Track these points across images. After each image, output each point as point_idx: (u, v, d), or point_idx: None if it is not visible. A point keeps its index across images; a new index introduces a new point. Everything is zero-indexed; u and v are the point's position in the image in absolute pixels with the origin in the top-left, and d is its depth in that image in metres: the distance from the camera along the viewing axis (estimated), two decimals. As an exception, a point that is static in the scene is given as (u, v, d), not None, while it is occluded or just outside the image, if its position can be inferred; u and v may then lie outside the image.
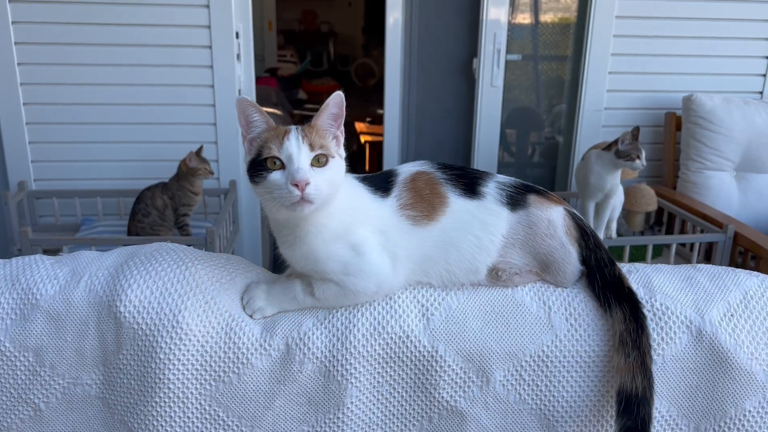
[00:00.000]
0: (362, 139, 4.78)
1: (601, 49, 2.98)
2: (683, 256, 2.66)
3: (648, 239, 2.45)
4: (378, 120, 3.20)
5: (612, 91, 3.06)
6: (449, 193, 1.00)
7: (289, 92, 5.67)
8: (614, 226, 2.43)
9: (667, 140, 3.07)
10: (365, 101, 5.65)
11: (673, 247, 2.42)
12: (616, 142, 2.21)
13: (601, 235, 2.38)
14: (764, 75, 3.07)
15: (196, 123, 2.79)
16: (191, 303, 0.95)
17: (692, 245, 2.48)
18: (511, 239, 1.00)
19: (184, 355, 0.93)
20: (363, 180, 1.04)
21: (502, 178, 1.04)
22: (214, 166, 2.68)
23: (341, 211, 0.97)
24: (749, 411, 0.96)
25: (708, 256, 2.59)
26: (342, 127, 1.01)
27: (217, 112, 2.78)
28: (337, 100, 0.97)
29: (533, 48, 3.22)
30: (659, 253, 2.69)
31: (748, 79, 3.08)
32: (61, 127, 2.73)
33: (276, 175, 0.92)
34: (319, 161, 0.94)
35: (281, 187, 0.91)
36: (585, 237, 1.02)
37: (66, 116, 2.72)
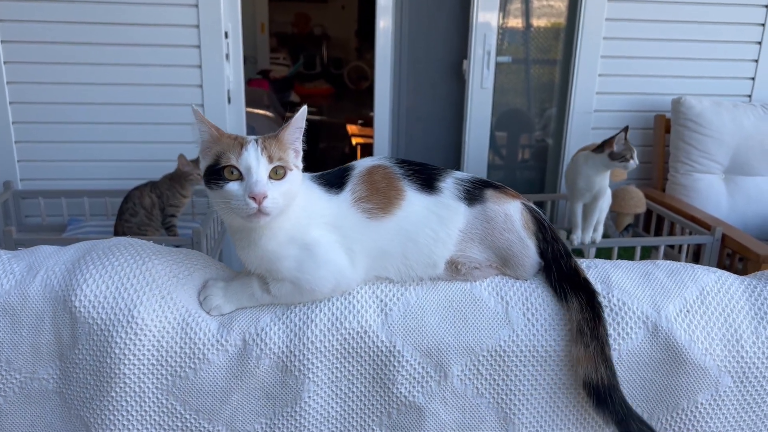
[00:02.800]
0: (354, 141, 4.78)
1: (590, 52, 2.98)
2: (671, 258, 2.65)
3: (636, 241, 2.44)
4: (370, 122, 3.20)
5: (602, 94, 3.05)
6: (406, 188, 1.00)
7: (281, 94, 5.66)
8: (601, 228, 2.42)
9: (657, 143, 3.07)
10: (358, 104, 5.65)
11: (662, 249, 2.42)
12: (604, 144, 2.20)
13: (588, 237, 2.38)
14: (753, 78, 3.07)
15: (184, 123, 2.78)
16: (147, 298, 0.94)
17: (680, 247, 2.48)
18: (469, 233, 1.00)
19: (139, 350, 0.92)
20: (318, 178, 1.03)
21: (460, 174, 1.04)
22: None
23: (295, 213, 0.97)
24: (701, 403, 0.96)
25: (696, 258, 2.59)
26: (301, 138, 1.00)
27: (205, 112, 2.77)
28: (304, 114, 0.97)
29: (524, 51, 3.22)
30: (647, 255, 2.69)
31: (737, 83, 3.08)
32: (47, 127, 2.73)
33: (233, 186, 0.92)
34: (277, 173, 0.93)
35: (238, 199, 0.91)
36: (542, 230, 1.02)
37: (53, 115, 2.71)
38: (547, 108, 3.32)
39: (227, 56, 2.79)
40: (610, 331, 0.95)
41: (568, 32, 3.13)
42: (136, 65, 2.69)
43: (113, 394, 0.94)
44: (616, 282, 0.99)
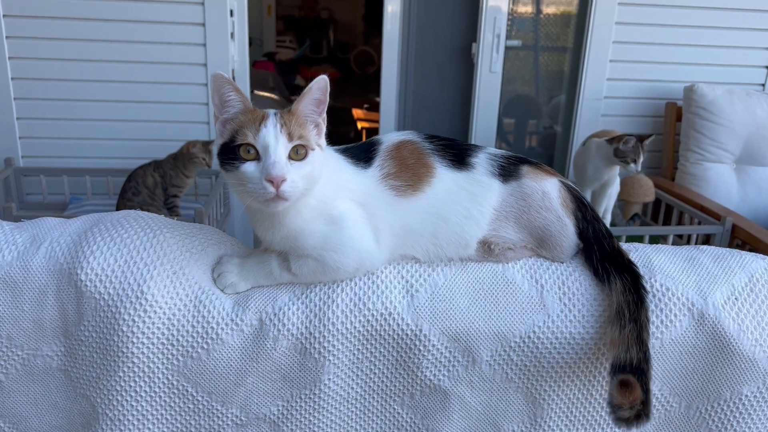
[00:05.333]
0: (359, 125, 4.73)
1: (602, 37, 2.92)
2: (680, 249, 2.61)
3: (645, 230, 2.39)
4: (375, 107, 3.15)
5: (612, 80, 2.99)
6: (436, 164, 0.94)
7: (286, 77, 5.60)
8: (609, 217, 2.38)
9: (667, 131, 3.02)
10: (364, 89, 5.59)
11: (670, 239, 2.37)
12: (620, 137, 2.14)
13: (597, 225, 2.33)
14: (767, 67, 3.02)
15: (187, 102, 2.73)
16: (158, 273, 0.88)
17: (689, 237, 2.43)
18: (503, 212, 0.94)
19: (148, 328, 0.87)
20: (344, 151, 0.97)
21: (493, 149, 0.98)
22: (205, 148, 2.61)
23: (321, 187, 0.90)
24: (746, 396, 0.92)
25: (705, 248, 2.54)
26: (324, 115, 0.93)
27: (209, 91, 2.71)
28: (321, 84, 0.89)
29: (534, 37, 3.16)
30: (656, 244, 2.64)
31: (751, 71, 3.02)
32: (50, 103, 2.67)
33: (249, 167, 0.84)
34: (298, 153, 0.86)
35: (255, 181, 0.84)
36: (582, 209, 0.96)
37: (55, 92, 2.65)
38: (556, 94, 3.26)
39: (232, 35, 2.73)
40: (653, 318, 0.89)
41: (579, 16, 3.06)
42: (140, 42, 2.63)
43: (120, 373, 0.88)
44: (659, 266, 0.94)
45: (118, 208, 2.39)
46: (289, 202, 0.85)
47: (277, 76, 5.14)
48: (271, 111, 0.89)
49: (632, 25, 2.91)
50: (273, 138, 0.84)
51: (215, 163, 2.52)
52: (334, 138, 0.97)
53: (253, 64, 5.06)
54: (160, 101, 2.72)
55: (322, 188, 0.91)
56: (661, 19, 2.90)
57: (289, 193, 0.83)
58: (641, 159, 2.11)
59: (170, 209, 2.43)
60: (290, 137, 0.85)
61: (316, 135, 0.91)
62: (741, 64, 3.00)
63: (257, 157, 0.85)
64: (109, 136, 2.74)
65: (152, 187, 2.38)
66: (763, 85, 3.03)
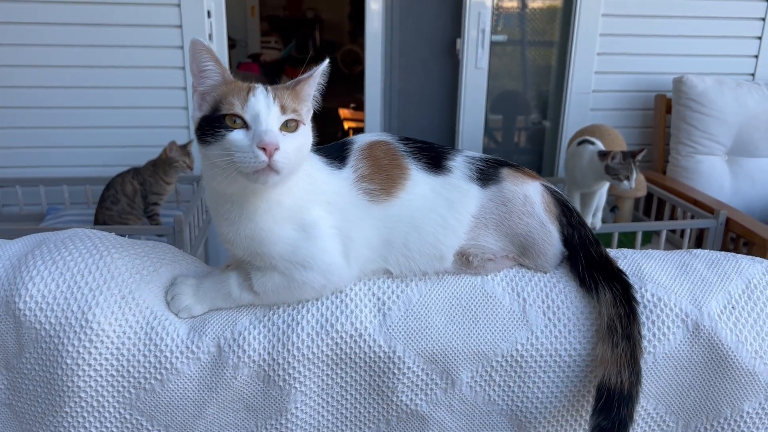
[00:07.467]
0: (346, 125, 4.65)
1: (589, 29, 2.86)
2: (674, 243, 2.56)
3: (637, 225, 2.33)
4: (362, 106, 3.09)
5: (600, 73, 2.94)
6: (411, 166, 0.87)
7: (272, 78, 5.50)
8: (600, 215, 2.31)
9: (657, 123, 2.96)
10: (351, 88, 5.50)
11: (663, 234, 2.31)
12: (607, 153, 2.06)
13: (587, 222, 2.27)
14: (756, 56, 2.97)
15: (166, 107, 2.66)
16: (104, 298, 0.81)
17: (683, 231, 2.37)
18: (482, 219, 0.87)
19: (95, 359, 0.79)
20: (317, 151, 0.90)
21: (471, 153, 0.91)
22: (185, 153, 2.54)
23: (297, 186, 0.83)
24: (747, 412, 0.85)
25: (699, 242, 2.49)
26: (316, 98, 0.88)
27: (188, 95, 2.64)
28: (325, 69, 0.85)
29: (520, 31, 3.10)
30: (648, 240, 2.59)
31: (740, 61, 2.98)
32: (23, 112, 2.59)
33: (238, 135, 0.77)
34: (288, 126, 0.80)
35: (244, 150, 0.76)
36: (566, 213, 0.89)
37: (29, 100, 2.58)
38: (544, 89, 3.20)
39: (210, 36, 2.67)
40: (644, 331, 0.82)
41: (565, 9, 3.00)
42: (115, 46, 2.56)
43: (67, 409, 0.81)
44: (650, 274, 0.87)
45: (96, 218, 2.32)
46: (280, 176, 0.78)
47: (262, 77, 5.06)
48: (259, 84, 0.82)
49: (619, 17, 2.86)
50: (264, 106, 0.78)
51: (197, 167, 2.46)
52: (320, 139, 0.91)
53: (238, 65, 4.99)
54: (138, 106, 2.65)
55: (297, 188, 0.84)
56: (648, 10, 2.85)
57: (281, 164, 0.76)
58: (634, 175, 2.03)
59: (150, 217, 2.37)
60: (283, 110, 0.80)
61: (306, 113, 0.85)
62: (730, 53, 2.96)
63: (245, 127, 0.78)
64: (86, 144, 2.67)
65: (131, 194, 2.32)
66: (753, 74, 2.99)
